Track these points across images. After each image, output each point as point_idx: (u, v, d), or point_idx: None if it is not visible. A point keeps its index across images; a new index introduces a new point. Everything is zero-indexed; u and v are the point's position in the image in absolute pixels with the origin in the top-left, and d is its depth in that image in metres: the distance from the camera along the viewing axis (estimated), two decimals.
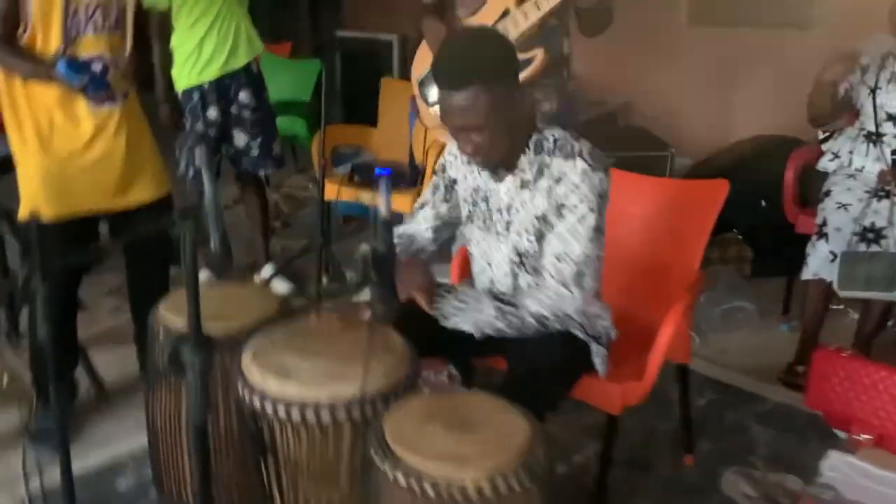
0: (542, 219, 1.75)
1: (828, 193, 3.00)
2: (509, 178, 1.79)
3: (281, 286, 3.55)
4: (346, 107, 5.29)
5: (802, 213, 3.27)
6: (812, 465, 2.44)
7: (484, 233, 1.88)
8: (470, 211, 1.91)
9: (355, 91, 4.98)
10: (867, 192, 2.88)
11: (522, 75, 2.40)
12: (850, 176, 2.98)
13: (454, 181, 1.94)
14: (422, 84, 2.66)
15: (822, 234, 2.91)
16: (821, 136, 3.20)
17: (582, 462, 2.38)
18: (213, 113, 3.27)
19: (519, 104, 1.68)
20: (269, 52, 3.37)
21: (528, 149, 1.76)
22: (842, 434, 2.53)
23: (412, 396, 1.52)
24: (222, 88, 3.26)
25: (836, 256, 2.85)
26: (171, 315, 1.83)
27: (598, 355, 1.88)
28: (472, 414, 1.45)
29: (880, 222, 2.82)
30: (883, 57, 2.95)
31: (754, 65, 3.97)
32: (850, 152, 3.02)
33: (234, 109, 3.31)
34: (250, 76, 3.32)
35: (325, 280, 3.55)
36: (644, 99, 4.25)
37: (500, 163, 1.76)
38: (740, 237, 3.62)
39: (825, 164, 3.13)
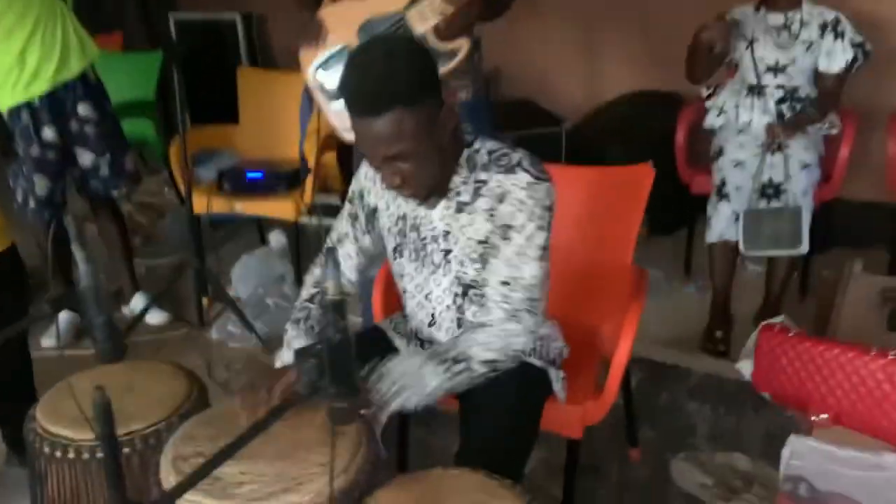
0: (486, 242, 1.54)
1: (721, 152, 2.96)
2: (442, 203, 1.56)
3: (155, 317, 3.18)
4: (190, 102, 4.69)
5: (696, 174, 3.24)
6: (753, 437, 2.43)
7: (417, 265, 1.65)
8: (398, 243, 1.67)
9: (198, 83, 4.40)
10: (760, 146, 2.86)
11: (445, 69, 2.16)
12: (740, 131, 2.95)
13: (374, 209, 1.69)
14: (319, 76, 2.28)
15: (723, 195, 2.87)
16: (705, 92, 3.15)
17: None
18: (49, 133, 2.81)
19: (445, 119, 1.45)
20: (98, 47, 2.90)
21: (460, 167, 1.54)
22: (766, 395, 2.53)
23: (383, 488, 1.29)
24: (56, 103, 2.81)
25: (738, 216, 2.82)
26: (49, 423, 1.49)
27: (557, 380, 1.71)
28: (451, 498, 1.24)
29: (777, 177, 2.81)
30: (755, 8, 2.91)
31: (620, 20, 3.87)
32: (736, 107, 2.99)
33: (73, 126, 2.86)
34: (87, 85, 2.87)
35: (205, 302, 3.20)
36: (511, 66, 4.08)
37: (431, 190, 1.52)
38: None
39: (712, 120, 3.09)
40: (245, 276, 3.35)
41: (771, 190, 2.82)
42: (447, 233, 1.57)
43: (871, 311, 2.54)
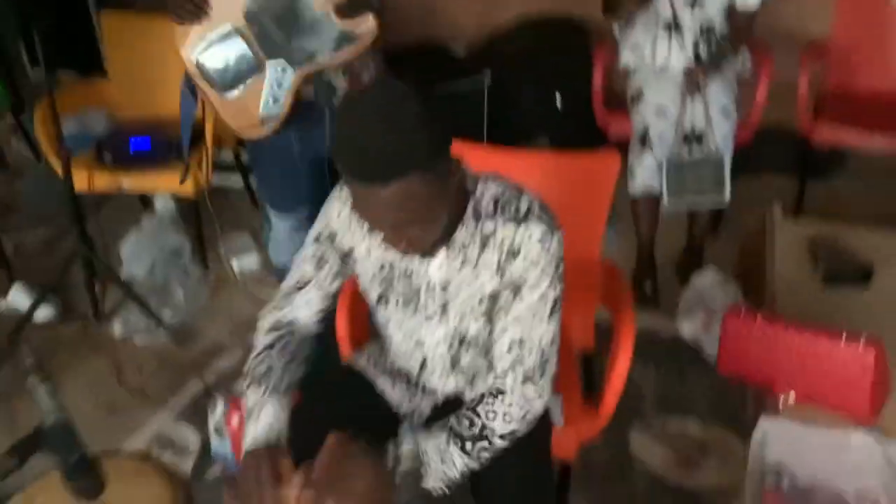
0: (492, 298, 1.39)
1: (640, 96, 2.89)
2: (442, 254, 1.38)
3: (41, 311, 2.81)
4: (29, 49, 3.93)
5: (613, 118, 3.15)
6: (699, 398, 2.48)
7: (407, 312, 1.47)
8: (382, 291, 1.48)
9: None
10: (681, 92, 2.80)
11: (348, 53, 1.90)
12: (659, 73, 2.88)
13: (348, 253, 1.48)
14: (203, 59, 1.94)
15: (646, 144, 2.82)
16: (616, 29, 3.04)
17: None
18: None
19: (455, 173, 1.26)
20: None
21: (466, 218, 1.36)
22: (711, 355, 2.58)
23: None
24: None
25: (662, 165, 2.79)
26: None
27: (556, 405, 1.63)
28: None
29: (699, 124, 2.78)
30: None
31: None
32: (652, 44, 2.90)
33: None
34: None
35: (97, 289, 2.86)
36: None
37: (437, 246, 1.34)
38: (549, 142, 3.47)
39: (627, 58, 3.00)
40: (137, 255, 3.01)
41: (693, 138, 2.80)
42: (446, 284, 1.41)
43: (802, 264, 2.60)
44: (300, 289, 1.50)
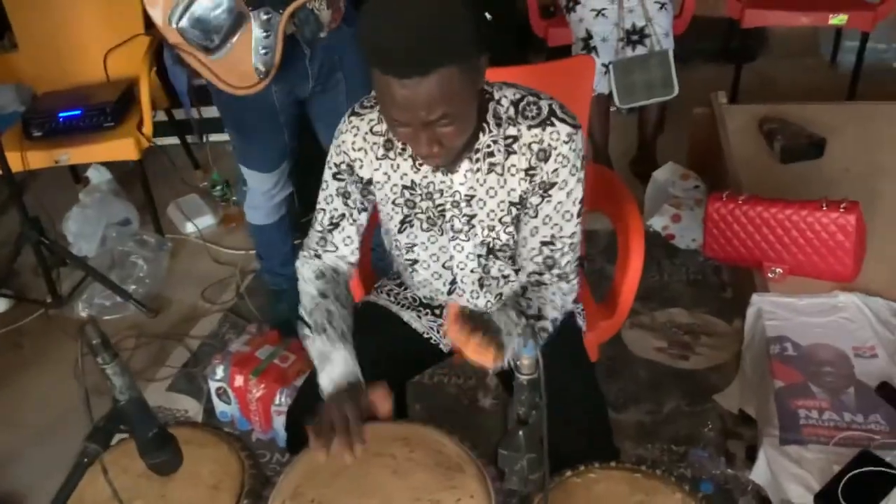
0: (519, 203, 1.39)
1: (576, 1, 2.88)
2: (465, 165, 1.37)
3: None
4: None
5: (551, 27, 3.14)
6: (677, 288, 2.57)
7: (432, 234, 1.46)
8: (406, 214, 1.45)
9: None
10: None
11: None
12: None
13: (369, 182, 1.44)
14: (181, 26, 1.80)
15: (590, 48, 2.83)
16: None
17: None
18: None
19: (483, 72, 1.24)
20: None
21: (487, 123, 1.34)
22: (685, 244, 2.66)
23: None
24: None
25: (608, 68, 2.82)
26: None
27: (579, 313, 1.66)
28: None
29: (639, 21, 2.80)
30: None
31: None
32: None
33: None
34: None
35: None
36: None
37: (461, 154, 1.33)
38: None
39: None
40: (83, 231, 2.87)
41: (636, 36, 2.82)
42: (471, 197, 1.40)
43: (756, 145, 2.70)
44: (334, 227, 1.47)
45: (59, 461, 1.40)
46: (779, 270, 2.08)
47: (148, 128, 2.71)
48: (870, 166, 2.51)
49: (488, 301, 1.54)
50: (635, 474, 1.22)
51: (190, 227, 3.00)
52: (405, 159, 1.40)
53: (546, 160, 1.34)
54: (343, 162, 1.43)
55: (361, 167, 1.43)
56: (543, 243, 1.40)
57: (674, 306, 2.49)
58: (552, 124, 1.33)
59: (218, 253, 2.91)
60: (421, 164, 1.38)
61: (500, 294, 1.53)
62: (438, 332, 1.61)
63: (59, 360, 2.46)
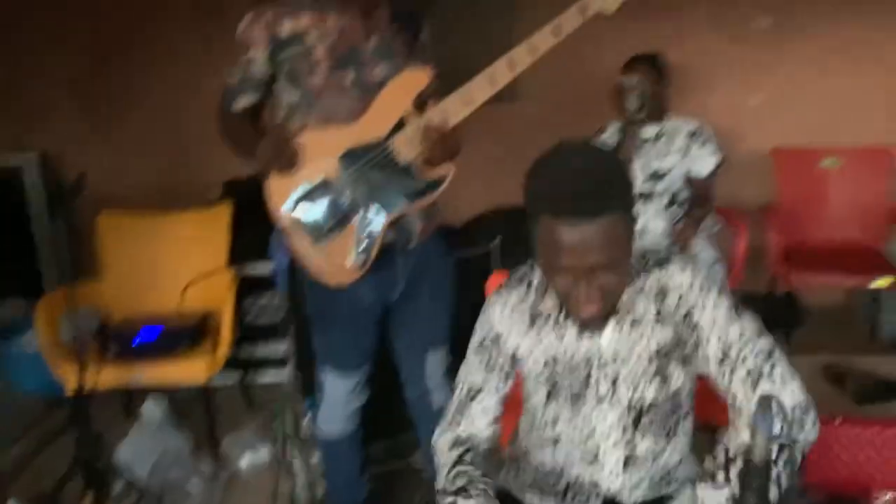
0: (662, 353, 1.39)
1: None
2: (611, 324, 1.40)
3: None
4: None
5: None
6: None
7: (576, 407, 1.44)
8: (550, 389, 1.45)
9: None
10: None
11: (430, 198, 1.98)
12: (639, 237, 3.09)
13: (514, 354, 1.47)
14: (298, 210, 1.93)
15: None
16: None
17: None
18: None
19: (635, 225, 1.33)
20: None
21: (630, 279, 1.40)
22: None
23: None
24: None
25: None
26: None
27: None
28: None
29: None
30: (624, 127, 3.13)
31: (479, 139, 3.94)
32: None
33: None
34: None
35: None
36: None
37: (610, 311, 1.37)
38: None
39: None
40: (139, 457, 2.77)
41: None
42: (616, 356, 1.41)
43: (821, 388, 2.73)
44: (473, 398, 1.47)
45: None
46: (889, 496, 2.00)
47: (222, 353, 2.74)
48: None
49: (635, 481, 1.46)
50: None
51: (243, 463, 2.89)
52: (549, 331, 1.43)
53: (665, 297, 1.37)
54: (490, 333, 1.47)
55: (509, 338, 1.46)
56: (719, 359, 1.34)
57: None
58: (666, 266, 1.39)
59: (270, 488, 2.78)
60: (563, 330, 1.41)
61: (647, 479, 1.46)
62: None
63: None
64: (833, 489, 2.14)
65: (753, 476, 0.95)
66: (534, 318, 1.44)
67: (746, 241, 3.22)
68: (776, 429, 0.96)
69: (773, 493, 1.03)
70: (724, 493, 1.21)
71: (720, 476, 1.22)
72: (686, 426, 1.48)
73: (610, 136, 3.09)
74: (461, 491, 1.36)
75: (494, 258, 2.95)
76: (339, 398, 2.22)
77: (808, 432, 1.29)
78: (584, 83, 3.77)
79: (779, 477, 1.08)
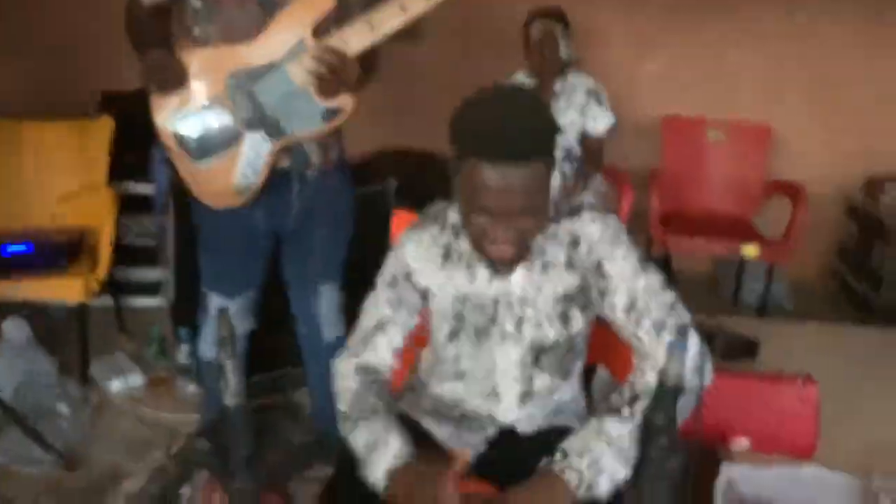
0: (568, 296, 1.43)
1: None
2: (522, 267, 1.43)
3: None
4: None
5: None
6: None
7: (480, 343, 1.47)
8: (454, 327, 1.47)
9: None
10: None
11: (327, 127, 1.93)
12: None
13: (426, 291, 1.48)
14: (179, 126, 1.86)
15: None
16: None
17: None
18: None
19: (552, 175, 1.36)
20: None
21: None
22: None
23: None
24: None
25: None
26: None
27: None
28: None
29: None
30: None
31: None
32: None
33: None
34: None
35: None
36: None
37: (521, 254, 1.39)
38: None
39: None
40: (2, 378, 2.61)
41: None
42: (523, 298, 1.44)
43: None
44: (379, 330, 1.47)
45: None
46: (745, 444, 2.16)
47: (101, 272, 2.61)
48: None
49: (524, 412, 1.51)
50: None
51: (113, 386, 2.79)
52: (461, 270, 1.45)
53: (575, 246, 1.42)
54: (401, 270, 1.47)
55: (421, 275, 1.47)
56: (625, 308, 1.38)
57: None
58: (579, 216, 1.43)
59: (143, 413, 2.70)
60: (475, 272, 1.43)
61: (540, 413, 1.52)
62: (460, 438, 1.54)
63: None
64: (693, 434, 2.30)
65: (665, 398, 1.01)
66: (447, 257, 1.46)
67: (631, 203, 3.35)
68: (692, 352, 0.99)
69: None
70: (629, 426, 1.29)
71: (626, 411, 1.29)
72: (579, 366, 1.54)
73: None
74: (364, 414, 1.38)
75: (388, 197, 2.92)
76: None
77: (705, 377, 1.37)
78: (490, 32, 3.77)
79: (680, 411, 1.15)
